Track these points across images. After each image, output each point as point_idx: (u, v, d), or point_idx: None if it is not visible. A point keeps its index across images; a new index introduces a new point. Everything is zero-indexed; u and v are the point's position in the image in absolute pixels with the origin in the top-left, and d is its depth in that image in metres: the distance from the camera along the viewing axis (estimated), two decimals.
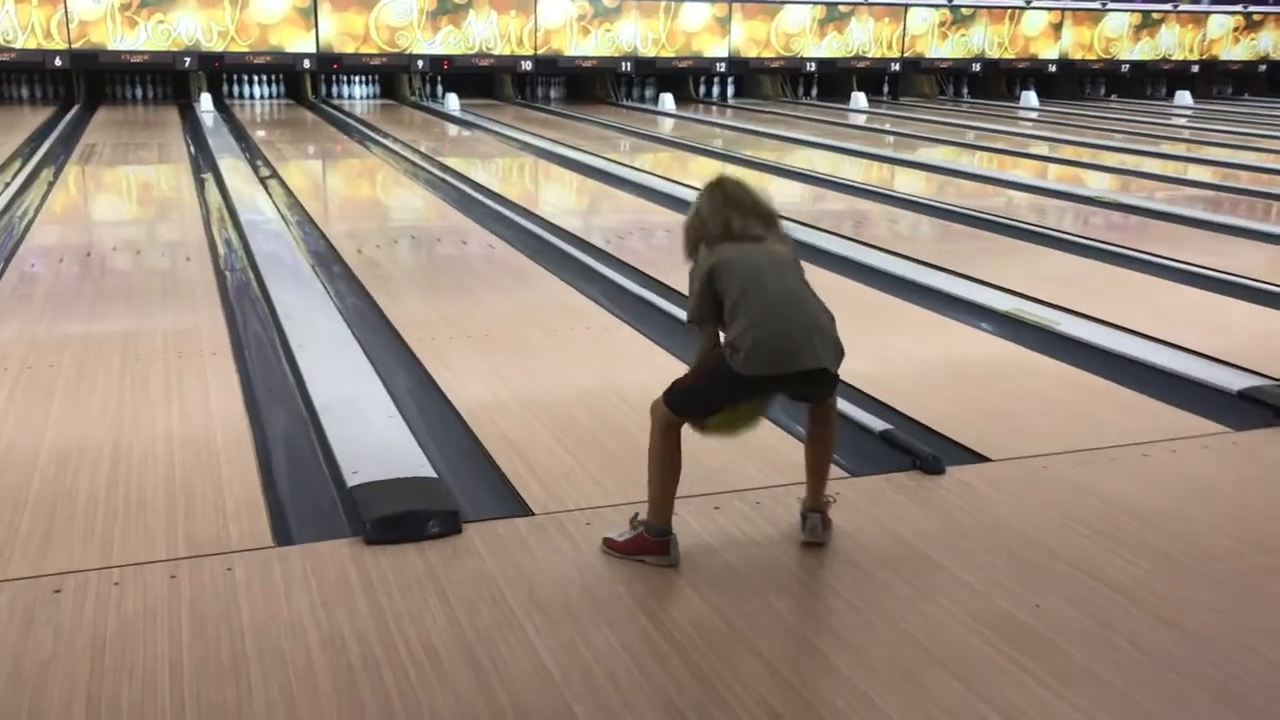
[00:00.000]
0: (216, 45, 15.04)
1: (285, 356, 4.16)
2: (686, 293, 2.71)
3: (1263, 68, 20.43)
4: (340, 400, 3.65)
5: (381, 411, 3.54)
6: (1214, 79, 20.59)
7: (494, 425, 3.52)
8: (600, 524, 2.82)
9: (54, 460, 3.19)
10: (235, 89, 16.43)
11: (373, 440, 3.30)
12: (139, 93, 16.13)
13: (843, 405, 3.57)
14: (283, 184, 8.87)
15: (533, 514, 2.89)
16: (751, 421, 2.80)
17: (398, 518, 2.73)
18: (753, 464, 3.20)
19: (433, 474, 3.04)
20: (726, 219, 2.68)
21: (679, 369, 4.09)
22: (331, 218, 7.44)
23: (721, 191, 2.72)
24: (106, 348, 4.17)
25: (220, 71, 15.63)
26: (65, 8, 14.40)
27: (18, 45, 14.37)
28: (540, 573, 2.60)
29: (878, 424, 3.50)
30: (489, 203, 7.88)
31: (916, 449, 3.29)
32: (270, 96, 16.60)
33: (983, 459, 3.33)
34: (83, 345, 4.22)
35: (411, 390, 3.87)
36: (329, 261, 5.94)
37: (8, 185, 8.49)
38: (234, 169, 9.43)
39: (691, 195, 8.44)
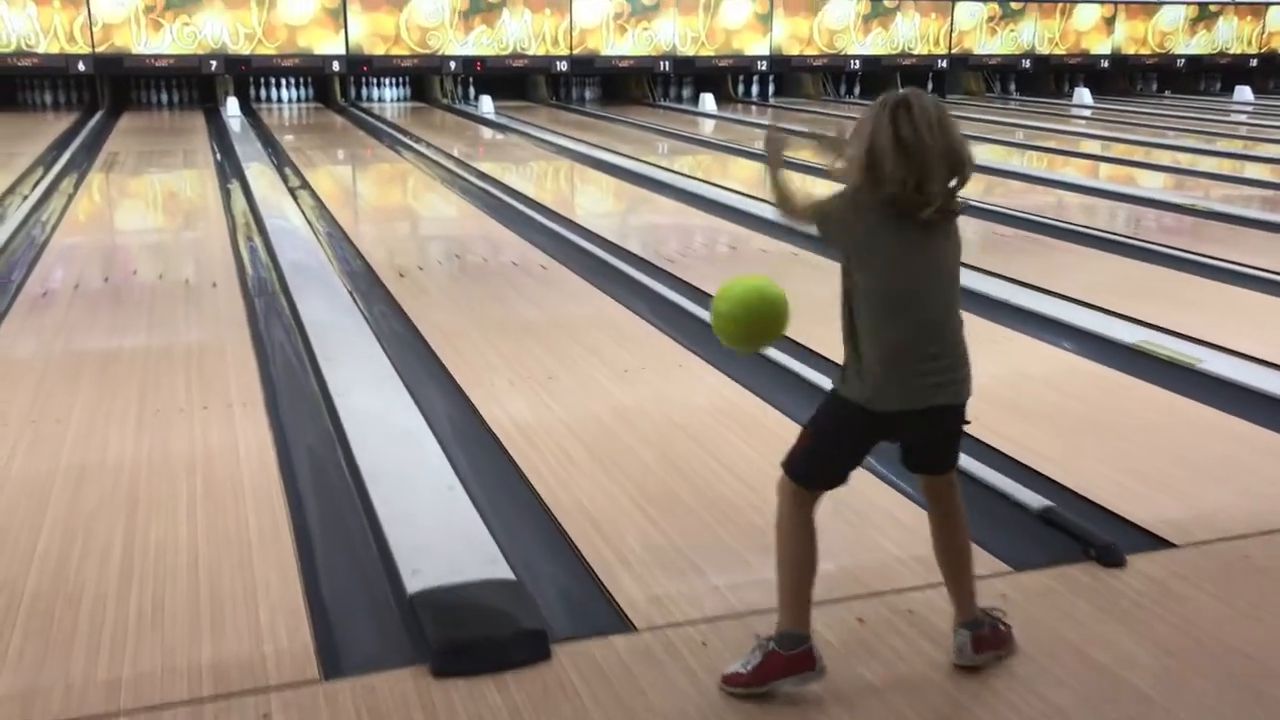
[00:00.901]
0: (243, 48, 14.60)
1: (325, 407, 3.64)
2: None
3: None
4: (391, 466, 3.12)
5: (440, 480, 3.02)
6: (1273, 73, 19.82)
7: (568, 493, 3.00)
8: (719, 643, 2.28)
9: (56, 548, 2.68)
10: (262, 92, 15.98)
11: (432, 522, 2.78)
12: (164, 97, 15.71)
13: (970, 463, 3.05)
14: (312, 193, 8.39)
15: (634, 629, 2.35)
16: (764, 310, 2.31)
17: (472, 645, 2.20)
18: (901, 555, 2.65)
19: (508, 573, 2.51)
20: (904, 178, 2.04)
21: (760, 412, 3.62)
22: (365, 231, 6.93)
23: (912, 130, 2.04)
24: (122, 398, 3.67)
25: (247, 75, 15.20)
26: (89, 10, 14.00)
27: (40, 50, 13.97)
28: (654, 718, 2.06)
29: (1032, 498, 2.94)
30: (534, 215, 7.35)
31: (1088, 534, 2.73)
32: (298, 100, 16.14)
33: (1163, 543, 2.77)
34: (96, 395, 3.71)
35: (467, 447, 3.35)
36: (367, 285, 5.43)
37: (26, 197, 8.04)
38: (261, 178, 8.96)
39: (737, 201, 8.12)
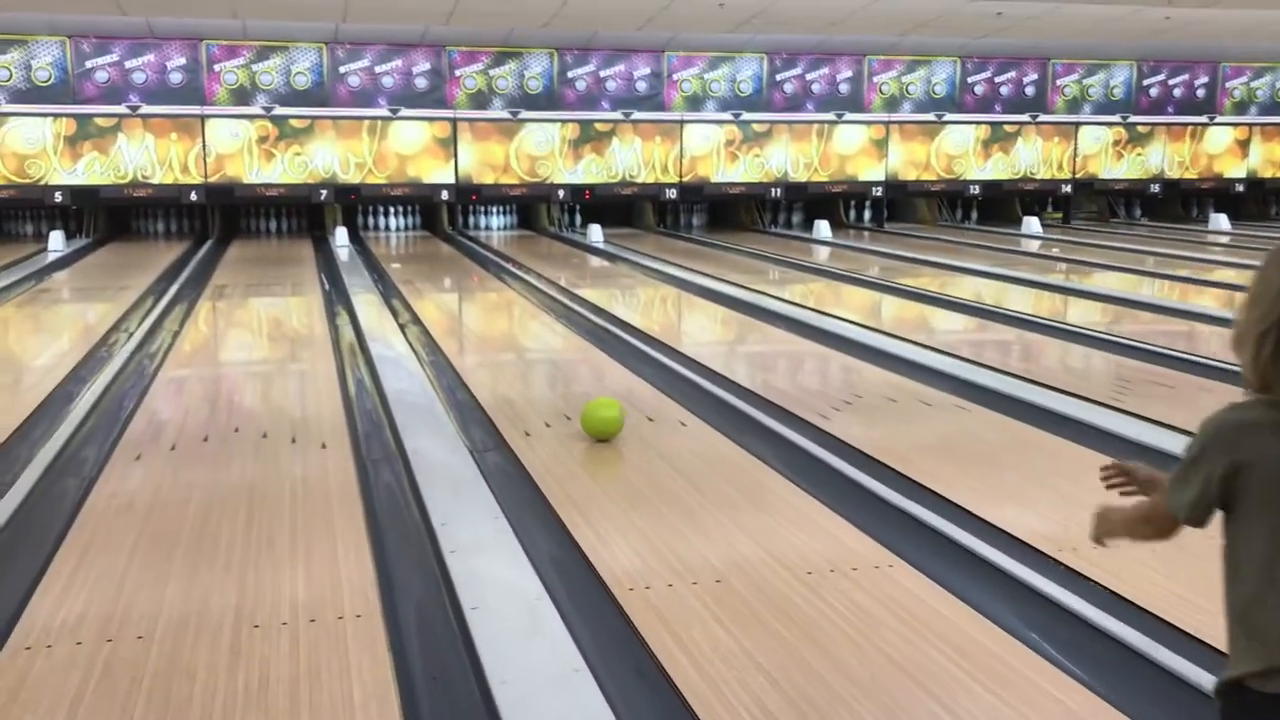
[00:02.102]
0: (354, 177, 14.57)
1: (455, 620, 3.01)
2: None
3: None
4: (540, 711, 2.46)
5: None
6: None
7: None
8: None
9: None
10: (371, 220, 15.93)
11: None
12: (273, 225, 15.74)
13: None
14: (423, 329, 7.96)
15: None
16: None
17: None
18: None
19: None
20: None
21: (999, 644, 2.81)
22: (482, 376, 6.39)
23: None
24: (214, 609, 3.07)
25: (356, 204, 15.15)
26: (204, 142, 14.10)
27: (155, 180, 14.08)
28: None
29: None
30: (663, 357, 6.77)
31: None
32: (406, 228, 16.05)
33: None
34: (185, 598, 3.13)
35: (635, 691, 2.68)
36: (488, 443, 4.85)
37: (130, 335, 7.74)
38: (371, 315, 8.58)
39: (854, 333, 7.55)
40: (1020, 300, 9.59)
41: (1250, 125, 17.42)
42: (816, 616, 3.02)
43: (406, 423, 5.14)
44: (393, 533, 3.71)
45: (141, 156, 13.97)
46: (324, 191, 14.57)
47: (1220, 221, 16.37)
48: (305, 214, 15.69)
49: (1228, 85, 17.52)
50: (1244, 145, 17.39)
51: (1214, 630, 2.23)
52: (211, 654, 2.80)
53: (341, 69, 14.87)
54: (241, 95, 14.55)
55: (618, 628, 2.98)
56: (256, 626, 2.95)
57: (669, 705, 2.59)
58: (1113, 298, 9.52)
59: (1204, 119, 17.27)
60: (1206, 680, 2.52)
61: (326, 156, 14.46)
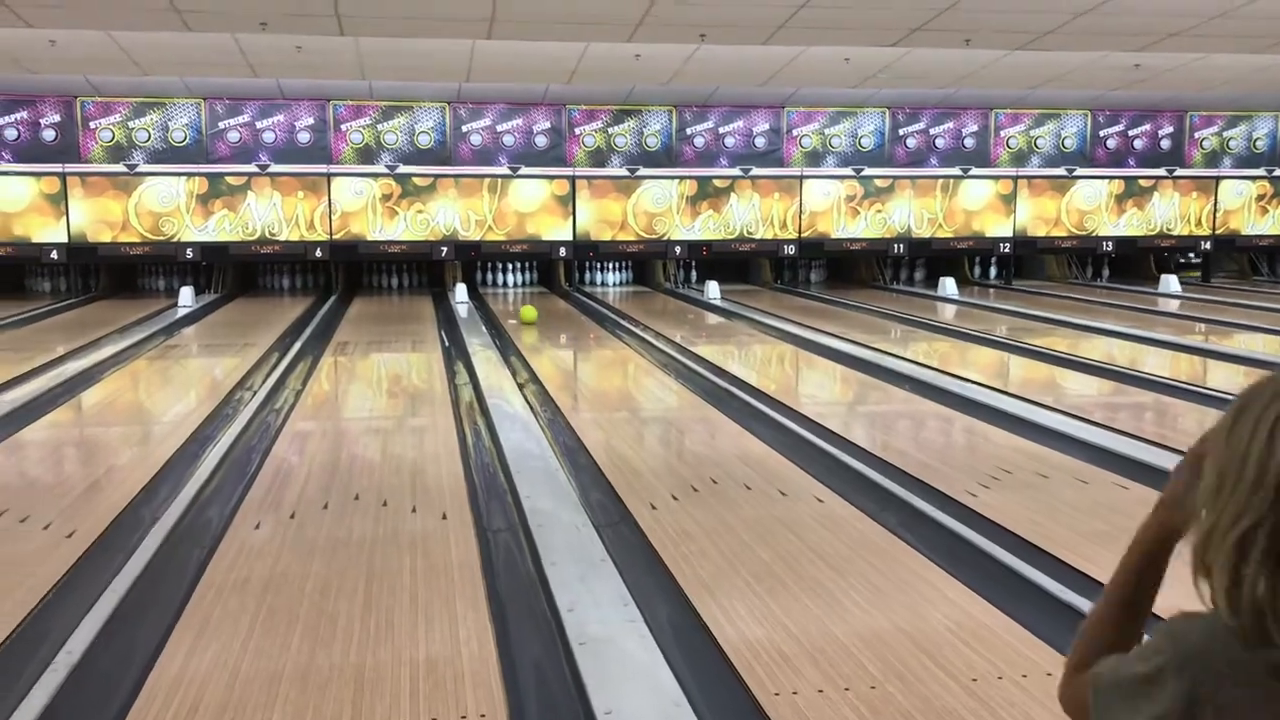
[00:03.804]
0: (474, 234, 14.67)
1: None
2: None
3: None
4: None
5: None
6: None
7: None
8: None
9: None
10: (489, 276, 16.03)
11: None
12: (394, 282, 15.94)
13: None
14: (541, 388, 7.81)
15: None
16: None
17: None
18: None
19: None
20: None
21: None
22: (605, 441, 6.19)
23: None
24: (330, 703, 2.88)
25: (476, 260, 15.26)
26: (329, 200, 14.37)
27: (282, 238, 14.38)
28: None
29: None
30: (788, 423, 6.49)
31: None
32: (523, 284, 16.10)
33: None
34: (299, 697, 2.93)
35: None
36: (616, 521, 4.62)
37: (254, 392, 7.76)
38: (490, 372, 8.49)
39: (991, 398, 7.15)
40: (1170, 366, 9.04)
41: None
42: None
43: (527, 489, 4.96)
44: (518, 620, 3.49)
45: (269, 214, 14.30)
46: (445, 248, 14.70)
47: None
48: (426, 270, 15.86)
49: None
50: None
51: None
52: None
53: (464, 128, 15.04)
54: (366, 154, 14.82)
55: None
56: None
57: None
58: (1256, 361, 8.91)
59: None
60: None
61: (448, 214, 14.60)
